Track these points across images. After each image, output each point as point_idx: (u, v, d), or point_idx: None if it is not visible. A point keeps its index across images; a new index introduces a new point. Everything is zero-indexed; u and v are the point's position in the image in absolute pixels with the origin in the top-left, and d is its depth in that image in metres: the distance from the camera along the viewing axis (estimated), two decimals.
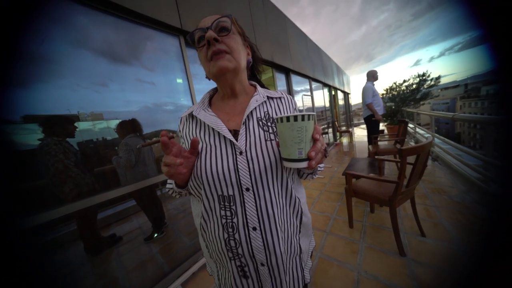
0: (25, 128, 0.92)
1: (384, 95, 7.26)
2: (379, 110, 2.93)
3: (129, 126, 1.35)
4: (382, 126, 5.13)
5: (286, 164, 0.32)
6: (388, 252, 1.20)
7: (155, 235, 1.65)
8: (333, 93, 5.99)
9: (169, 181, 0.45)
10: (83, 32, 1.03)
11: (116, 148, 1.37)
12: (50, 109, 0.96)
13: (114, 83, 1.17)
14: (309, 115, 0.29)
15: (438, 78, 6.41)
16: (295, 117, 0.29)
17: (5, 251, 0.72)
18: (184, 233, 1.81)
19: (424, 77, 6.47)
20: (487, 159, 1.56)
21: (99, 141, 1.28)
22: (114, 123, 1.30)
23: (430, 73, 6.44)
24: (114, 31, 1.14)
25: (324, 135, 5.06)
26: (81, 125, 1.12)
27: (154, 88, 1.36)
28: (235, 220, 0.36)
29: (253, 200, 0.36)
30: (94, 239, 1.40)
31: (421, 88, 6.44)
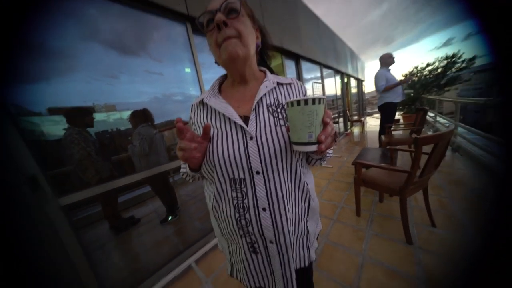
0: (50, 119, 1.00)
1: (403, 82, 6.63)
2: (395, 98, 2.70)
3: (141, 116, 1.41)
4: (397, 115, 4.77)
5: (296, 147, 0.33)
6: (395, 240, 1.20)
7: (170, 218, 1.78)
8: (345, 80, 5.66)
9: (182, 166, 0.48)
10: (93, 25, 1.05)
11: (130, 138, 1.46)
12: (68, 101, 1.03)
13: (124, 75, 1.21)
14: (319, 98, 0.29)
15: (473, 58, 5.48)
16: (306, 101, 0.29)
17: (49, 227, 0.83)
18: (195, 217, 1.94)
19: (453, 59, 5.62)
20: None
21: (114, 131, 1.37)
22: (126, 114, 1.37)
23: (463, 53, 5.57)
24: (121, 20, 1.15)
25: (334, 125, 4.88)
26: (96, 116, 1.19)
27: (163, 78, 1.38)
28: (245, 201, 0.38)
29: (263, 183, 0.38)
30: (116, 219, 1.56)
31: (448, 72, 5.68)
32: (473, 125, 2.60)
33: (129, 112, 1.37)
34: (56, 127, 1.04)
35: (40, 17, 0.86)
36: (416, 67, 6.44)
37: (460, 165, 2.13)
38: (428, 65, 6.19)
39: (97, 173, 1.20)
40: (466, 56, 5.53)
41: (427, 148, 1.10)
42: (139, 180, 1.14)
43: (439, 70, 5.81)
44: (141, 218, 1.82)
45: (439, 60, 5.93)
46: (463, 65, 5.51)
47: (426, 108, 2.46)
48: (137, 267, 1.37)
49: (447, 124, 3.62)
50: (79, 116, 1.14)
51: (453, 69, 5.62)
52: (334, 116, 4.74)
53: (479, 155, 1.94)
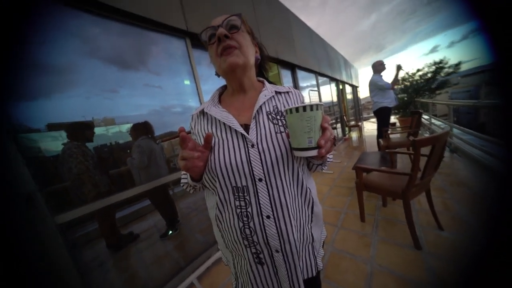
0: (49, 135, 1.00)
1: (396, 87, 6.90)
2: (390, 102, 2.80)
3: (142, 129, 1.42)
4: (393, 119, 4.90)
5: (296, 153, 0.34)
6: (402, 245, 1.17)
7: (170, 232, 1.72)
8: (340, 87, 5.82)
9: (183, 176, 0.47)
10: (93, 42, 1.09)
11: (129, 151, 1.45)
12: (67, 116, 1.04)
13: (124, 89, 1.23)
14: (317, 105, 0.31)
15: (458, 64, 5.95)
16: (304, 107, 0.30)
17: (40, 246, 0.80)
18: (196, 230, 1.87)
19: (440, 65, 6.04)
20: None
21: (113, 145, 1.36)
22: (125, 127, 1.37)
23: (448, 59, 6.01)
24: (122, 38, 1.20)
25: (332, 130, 4.94)
26: (95, 131, 1.19)
27: (162, 91, 1.41)
28: (249, 209, 0.38)
29: (266, 190, 0.38)
30: (114, 236, 1.50)
31: (437, 77, 6.03)
32: (467, 125, 2.66)
33: (128, 125, 1.38)
34: (55, 143, 1.04)
35: (41, 34, 0.90)
36: (407, 73, 6.74)
37: (459, 166, 2.15)
38: (418, 70, 6.50)
39: (94, 188, 1.18)
40: (452, 61, 5.95)
41: (425, 150, 1.12)
42: (139, 193, 1.12)
43: (429, 75, 6.14)
44: (141, 233, 1.76)
45: (428, 66, 6.27)
46: (450, 70, 5.89)
47: (420, 111, 2.53)
48: (136, 287, 1.30)
49: (442, 126, 3.70)
50: (79, 131, 1.14)
51: (442, 74, 5.97)
52: (332, 122, 4.83)
53: (477, 155, 1.96)
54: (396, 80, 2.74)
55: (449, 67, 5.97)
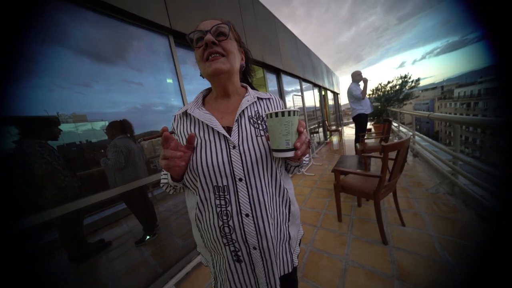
0: None
1: (371, 95, 7.61)
2: (366, 109, 3.08)
3: (119, 127, 1.32)
4: (369, 125, 5.37)
5: (275, 154, 0.37)
6: (373, 241, 1.28)
7: (147, 237, 1.62)
8: (323, 93, 6.17)
9: (163, 177, 0.47)
10: (61, 29, 0.97)
11: (102, 150, 1.33)
12: (24, 110, 0.89)
13: (99, 84, 1.13)
14: (294, 111, 0.35)
15: (418, 80, 6.90)
16: (283, 113, 0.34)
17: None
18: (176, 234, 1.79)
19: (405, 79, 6.90)
20: (455, 154, 1.72)
21: (83, 144, 1.24)
22: (99, 125, 1.26)
23: (411, 75, 6.88)
24: (97, 29, 1.10)
25: (314, 134, 5.19)
26: (62, 127, 1.07)
27: (142, 88, 1.33)
28: (229, 208, 0.39)
29: (246, 189, 0.39)
30: (79, 246, 1.34)
31: (404, 89, 6.87)
32: (427, 133, 3.06)
33: (102, 123, 1.27)
34: (4, 140, 0.89)
35: None
36: (380, 84, 7.50)
37: (420, 169, 2.44)
38: (389, 82, 7.29)
39: (59, 192, 1.05)
40: (414, 77, 6.88)
41: (393, 155, 1.25)
42: (113, 197, 1.04)
43: (397, 87, 6.96)
44: (113, 240, 1.61)
45: (397, 79, 7.10)
46: (412, 84, 6.80)
47: (390, 119, 2.83)
48: None
49: (407, 133, 4.17)
50: (42, 127, 1.01)
51: (407, 87, 6.85)
52: (314, 126, 5.07)
53: (431, 159, 2.26)
54: (365, 91, 3.04)
55: (411, 81, 6.88)
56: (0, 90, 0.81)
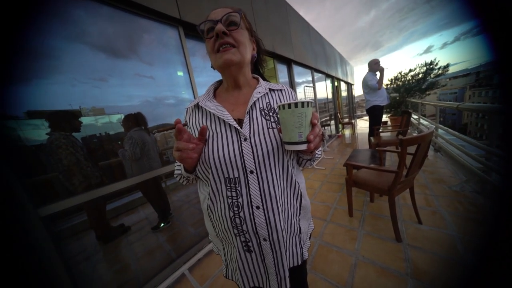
0: (29, 123, 0.94)
1: (389, 86, 7.06)
2: (382, 101, 2.87)
3: (134, 120, 1.37)
4: (385, 117, 5.05)
5: (287, 147, 0.35)
6: (385, 238, 1.24)
7: (162, 224, 1.72)
8: (336, 84, 5.87)
9: (177, 168, 0.49)
10: (79, 26, 1.02)
11: (120, 142, 1.41)
12: (51, 104, 0.98)
13: (114, 78, 1.18)
14: (308, 102, 0.32)
15: (447, 66, 6.18)
16: (296, 104, 0.32)
17: (22, 239, 0.78)
18: (189, 223, 1.89)
19: (431, 66, 6.23)
20: (490, 149, 1.55)
21: (103, 136, 1.31)
22: (116, 118, 1.32)
23: (438, 61, 6.20)
24: (111, 23, 1.13)
25: (326, 127, 5.02)
26: (83, 120, 1.14)
27: (154, 82, 1.36)
28: (240, 200, 0.39)
29: (257, 182, 0.39)
30: (104, 228, 1.48)
31: (428, 78, 6.23)
32: (452, 126, 2.80)
33: (118, 116, 1.33)
34: (36, 132, 0.98)
35: (20, 14, 0.83)
36: (400, 73, 6.88)
37: (441, 164, 2.27)
38: (410, 70, 6.66)
39: (85, 180, 1.15)
40: (442, 63, 6.15)
41: (411, 149, 1.17)
42: (130, 186, 1.10)
43: (420, 75, 6.31)
44: (132, 225, 1.74)
45: (420, 67, 6.44)
46: (439, 71, 6.10)
47: (410, 111, 2.62)
48: (126, 279, 1.31)
49: (429, 126, 3.85)
50: (65, 120, 1.09)
51: (432, 75, 6.17)
52: (326, 118, 4.89)
53: (457, 154, 2.08)
54: (381, 81, 2.82)
55: (438, 68, 6.17)
56: (32, 86, 0.89)
